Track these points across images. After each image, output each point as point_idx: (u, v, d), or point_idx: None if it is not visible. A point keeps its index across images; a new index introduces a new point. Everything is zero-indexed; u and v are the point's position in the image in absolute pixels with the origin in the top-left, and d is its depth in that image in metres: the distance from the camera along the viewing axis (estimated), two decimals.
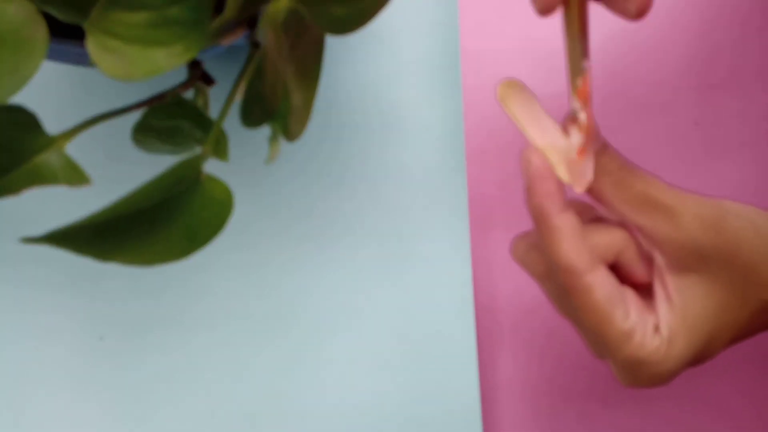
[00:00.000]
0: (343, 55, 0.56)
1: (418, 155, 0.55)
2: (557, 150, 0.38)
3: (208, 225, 0.35)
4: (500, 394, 0.54)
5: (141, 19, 0.34)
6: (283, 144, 0.54)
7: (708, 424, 0.54)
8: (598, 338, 0.39)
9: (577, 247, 0.37)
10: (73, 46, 0.40)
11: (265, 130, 0.54)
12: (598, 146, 0.38)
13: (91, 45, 0.34)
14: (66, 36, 0.41)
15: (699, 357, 0.40)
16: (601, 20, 0.56)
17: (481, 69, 0.56)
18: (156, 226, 0.34)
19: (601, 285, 0.38)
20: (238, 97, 0.37)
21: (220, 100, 0.54)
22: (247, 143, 0.55)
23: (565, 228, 0.37)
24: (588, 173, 0.38)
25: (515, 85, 0.39)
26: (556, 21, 0.57)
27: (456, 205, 0.54)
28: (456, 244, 0.54)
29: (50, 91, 0.55)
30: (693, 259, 0.39)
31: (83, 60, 0.42)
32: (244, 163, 0.55)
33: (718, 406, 0.54)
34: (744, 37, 0.56)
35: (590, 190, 0.39)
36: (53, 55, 0.42)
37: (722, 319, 0.40)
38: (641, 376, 0.39)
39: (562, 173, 0.38)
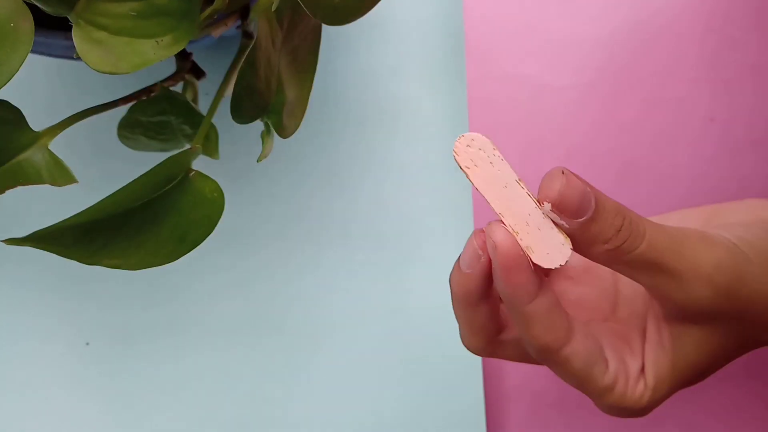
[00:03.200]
0: (341, 46, 0.55)
1: (420, 152, 0.54)
2: (528, 227, 0.34)
3: (199, 225, 0.35)
4: (505, 401, 0.54)
5: (128, 9, 0.34)
6: (277, 140, 0.54)
7: (716, 425, 0.54)
8: (579, 389, 0.39)
9: (551, 327, 0.36)
10: (60, 38, 0.40)
11: (257, 126, 0.54)
12: (589, 214, 0.34)
13: (77, 37, 0.33)
14: (52, 28, 0.40)
15: (683, 388, 0.41)
16: (612, 13, 0.56)
17: (486, 61, 0.56)
18: (144, 226, 0.34)
19: (577, 354, 0.37)
20: (229, 91, 0.37)
21: (210, 94, 0.53)
22: (239, 139, 0.54)
23: (538, 314, 0.36)
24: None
25: (478, 143, 0.35)
26: (562, 12, 0.56)
27: (460, 205, 0.54)
28: (460, 245, 0.53)
29: (37, 86, 0.54)
30: (697, 317, 0.38)
31: (70, 53, 0.41)
32: (235, 161, 0.54)
33: (726, 407, 0.54)
34: (759, 31, 0.56)
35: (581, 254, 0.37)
36: (39, 48, 0.41)
37: (713, 359, 0.39)
38: (621, 414, 0.40)
39: (536, 257, 0.34)
